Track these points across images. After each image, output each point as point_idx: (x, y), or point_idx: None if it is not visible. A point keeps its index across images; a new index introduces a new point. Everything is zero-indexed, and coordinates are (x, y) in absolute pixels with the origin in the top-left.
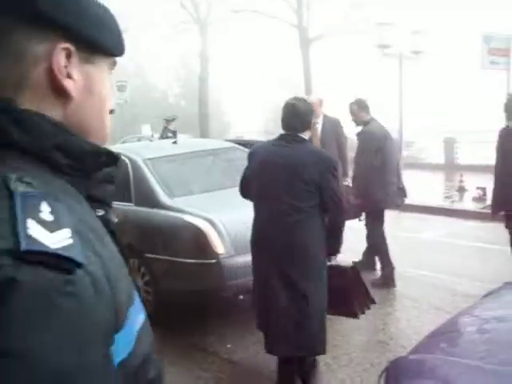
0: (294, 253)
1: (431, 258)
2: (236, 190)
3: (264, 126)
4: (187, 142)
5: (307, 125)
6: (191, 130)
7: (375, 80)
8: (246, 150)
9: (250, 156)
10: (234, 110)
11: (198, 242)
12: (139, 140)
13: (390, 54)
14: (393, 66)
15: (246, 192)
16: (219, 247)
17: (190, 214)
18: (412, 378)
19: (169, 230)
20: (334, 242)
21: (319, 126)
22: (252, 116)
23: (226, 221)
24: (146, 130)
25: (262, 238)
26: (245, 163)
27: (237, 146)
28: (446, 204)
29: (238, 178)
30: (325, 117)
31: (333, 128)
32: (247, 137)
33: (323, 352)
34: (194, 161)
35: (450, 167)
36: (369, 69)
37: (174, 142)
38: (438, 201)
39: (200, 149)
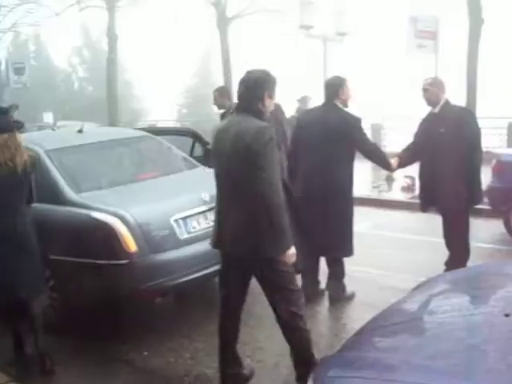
0: None
1: (358, 252)
2: (152, 183)
3: (178, 113)
4: (94, 131)
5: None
6: (99, 118)
7: (299, 62)
8: (159, 139)
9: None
10: (147, 96)
11: (106, 240)
12: (40, 129)
13: (314, 35)
14: (318, 48)
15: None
16: (131, 246)
17: (98, 209)
18: (341, 375)
19: (75, 228)
20: None
21: None
22: (166, 103)
23: (140, 216)
24: (48, 117)
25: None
26: (158, 153)
27: (149, 135)
28: (374, 194)
29: (152, 170)
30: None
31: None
32: (161, 125)
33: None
34: (102, 152)
35: None
36: (292, 50)
37: (80, 131)
38: (364, 191)
39: (109, 138)
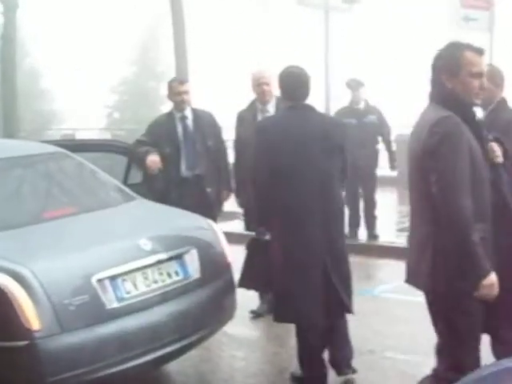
0: None
1: (378, 327)
2: (65, 224)
3: (107, 119)
4: None
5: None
6: None
7: (287, 43)
8: (79, 158)
9: (259, 133)
10: (61, 94)
11: None
12: None
13: (311, 2)
14: (315, 21)
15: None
16: (32, 319)
17: None
18: None
19: None
20: None
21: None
22: (90, 103)
23: (46, 274)
24: None
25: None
26: (76, 179)
27: (64, 151)
28: (401, 241)
29: (66, 204)
30: (278, 99)
31: None
32: (82, 136)
33: None
34: None
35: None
36: (274, 26)
37: None
38: (388, 235)
39: (0, 156)
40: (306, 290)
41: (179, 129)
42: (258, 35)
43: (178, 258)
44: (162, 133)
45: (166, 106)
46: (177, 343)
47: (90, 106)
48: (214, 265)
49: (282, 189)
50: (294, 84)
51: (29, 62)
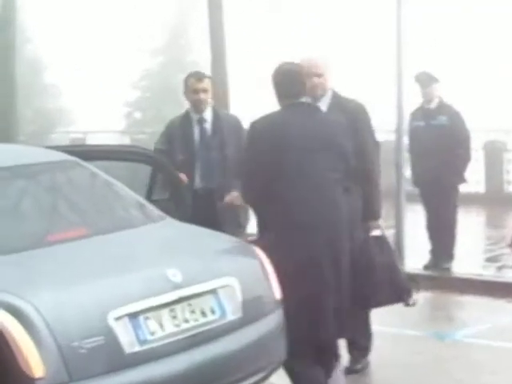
0: None
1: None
2: (75, 249)
3: (126, 119)
4: None
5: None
6: None
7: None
8: (92, 167)
9: (255, 135)
10: (70, 89)
11: None
12: None
13: None
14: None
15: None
16: (35, 364)
17: None
18: None
19: None
20: None
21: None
22: (105, 100)
23: (52, 309)
24: None
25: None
26: (89, 194)
27: (74, 159)
28: (489, 273)
29: (77, 224)
30: (334, 95)
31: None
32: (95, 141)
33: None
34: None
35: (498, 199)
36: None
37: None
38: (474, 267)
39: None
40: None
41: (196, 133)
42: (314, 24)
43: (215, 292)
44: (176, 137)
45: None
46: None
47: (104, 104)
48: (258, 302)
49: (281, 190)
50: (292, 81)
51: (30, 50)
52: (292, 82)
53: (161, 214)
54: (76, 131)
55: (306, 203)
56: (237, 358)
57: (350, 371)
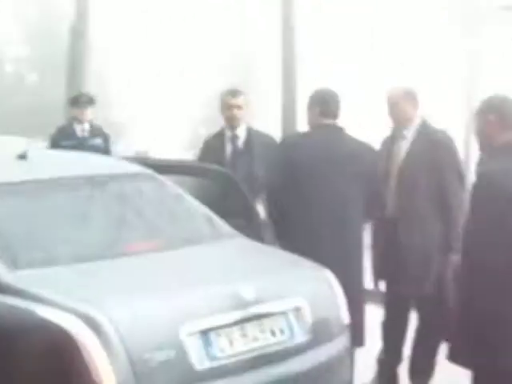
0: None
1: None
2: (149, 261)
3: (192, 134)
4: (49, 159)
5: None
6: (48, 131)
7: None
8: (167, 182)
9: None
10: (132, 101)
11: (62, 362)
12: None
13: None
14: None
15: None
16: (107, 376)
17: (50, 303)
18: None
19: (5, 335)
20: None
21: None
22: (169, 115)
23: (125, 321)
24: None
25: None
26: (163, 208)
27: (150, 172)
28: None
29: (151, 236)
30: (423, 124)
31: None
32: (156, 154)
33: None
34: (60, 198)
35: None
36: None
37: (22, 157)
38: None
39: (74, 174)
40: None
41: (228, 150)
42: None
43: (285, 312)
44: (209, 152)
45: (262, 122)
46: None
47: (169, 119)
48: (327, 324)
49: (298, 209)
50: (329, 101)
51: (96, 62)
52: (328, 103)
53: (232, 230)
54: (134, 144)
55: (319, 224)
56: (303, 380)
57: None
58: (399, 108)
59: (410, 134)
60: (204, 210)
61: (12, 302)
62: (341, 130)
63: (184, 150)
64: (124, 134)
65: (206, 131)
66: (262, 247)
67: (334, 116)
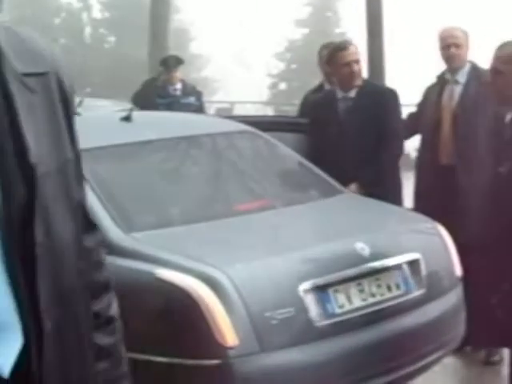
0: None
1: None
2: (263, 220)
3: (270, 90)
4: (154, 120)
5: None
6: (129, 94)
7: None
8: (272, 140)
9: None
10: (215, 60)
11: (183, 321)
12: None
13: None
14: None
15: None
16: (228, 334)
17: (167, 264)
18: None
19: (124, 297)
20: None
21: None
22: (247, 69)
23: (244, 280)
24: None
25: None
26: (272, 166)
27: (252, 129)
28: None
29: (263, 195)
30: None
31: None
32: (240, 110)
33: None
34: (170, 159)
35: None
36: None
37: (127, 119)
38: None
39: (181, 134)
40: None
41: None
42: None
43: (400, 267)
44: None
45: None
46: (393, 373)
47: (248, 75)
48: (441, 278)
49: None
50: None
51: (178, 20)
52: None
53: (341, 187)
54: (220, 101)
55: None
56: (420, 333)
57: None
58: (459, 49)
59: (462, 78)
60: (311, 166)
61: (130, 265)
62: None
63: (265, 105)
64: (208, 91)
65: (286, 87)
66: (373, 202)
67: None
